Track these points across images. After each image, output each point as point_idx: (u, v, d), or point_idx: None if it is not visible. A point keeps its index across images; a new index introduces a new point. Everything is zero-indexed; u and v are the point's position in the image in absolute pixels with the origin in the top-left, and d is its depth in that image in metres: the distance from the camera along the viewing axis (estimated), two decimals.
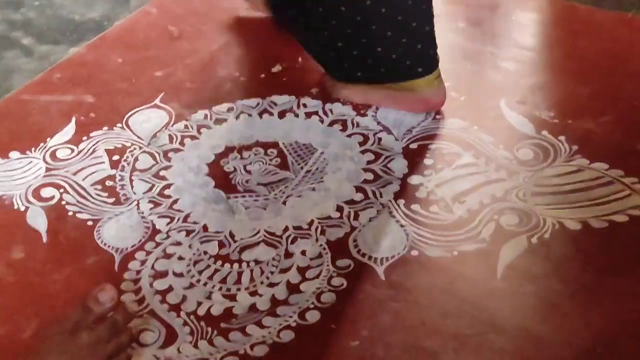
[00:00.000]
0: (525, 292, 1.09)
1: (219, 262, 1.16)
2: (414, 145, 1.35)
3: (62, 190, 1.30)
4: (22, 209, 1.27)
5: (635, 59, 1.51)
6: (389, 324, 1.06)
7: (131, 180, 1.32)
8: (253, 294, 1.11)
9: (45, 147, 1.39)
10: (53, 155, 1.38)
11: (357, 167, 1.31)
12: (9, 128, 1.45)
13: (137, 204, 1.27)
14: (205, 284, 1.13)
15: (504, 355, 1.01)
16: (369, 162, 1.32)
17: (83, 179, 1.32)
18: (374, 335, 1.05)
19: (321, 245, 1.18)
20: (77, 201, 1.28)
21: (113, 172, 1.33)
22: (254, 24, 1.70)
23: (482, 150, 1.33)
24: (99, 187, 1.31)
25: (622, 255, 1.13)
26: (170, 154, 1.37)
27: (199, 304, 1.10)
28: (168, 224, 1.23)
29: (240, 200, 1.27)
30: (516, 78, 1.50)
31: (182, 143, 1.40)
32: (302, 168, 1.33)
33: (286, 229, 1.21)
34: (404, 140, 1.36)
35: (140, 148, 1.39)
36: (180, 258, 1.17)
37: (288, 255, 1.16)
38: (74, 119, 1.45)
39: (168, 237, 1.21)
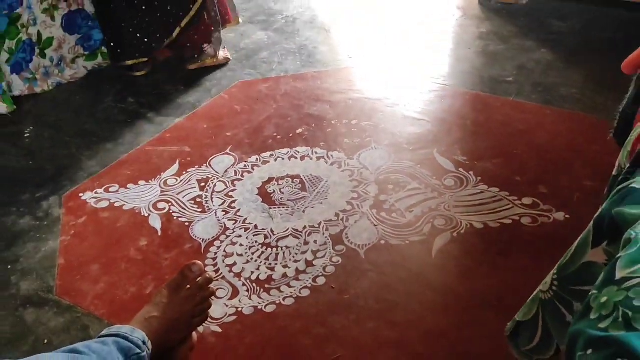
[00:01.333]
0: (449, 266, 1.09)
1: (265, 247, 1.16)
2: (382, 177, 1.35)
3: (170, 204, 1.31)
4: (146, 215, 1.28)
5: (515, 125, 1.51)
6: (367, 285, 1.06)
7: (212, 198, 1.32)
8: (285, 266, 1.11)
9: (160, 178, 1.40)
10: (165, 183, 1.38)
11: (347, 190, 1.32)
12: (139, 167, 1.46)
13: (215, 212, 1.27)
14: (256, 261, 1.13)
15: (436, 305, 1.01)
16: (354, 187, 1.32)
17: (183, 197, 1.33)
18: (358, 292, 1.04)
19: (326, 237, 1.18)
20: (179, 210, 1.29)
21: (201, 193, 1.34)
22: (286, 106, 1.71)
23: (423, 180, 1.33)
24: (193, 202, 1.31)
25: (508, 244, 1.13)
26: (235, 182, 1.38)
27: (252, 272, 1.10)
28: (234, 224, 1.23)
29: (277, 210, 1.28)
30: (442, 136, 1.50)
31: (242, 175, 1.40)
32: (314, 190, 1.33)
33: (305, 227, 1.21)
34: (376, 174, 1.36)
35: (217, 179, 1.39)
36: (241, 245, 1.17)
37: (306, 243, 1.17)
38: (178, 161, 1.46)
39: (234, 232, 1.21)
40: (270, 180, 1.38)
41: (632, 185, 0.55)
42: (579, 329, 0.42)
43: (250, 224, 1.23)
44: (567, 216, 1.18)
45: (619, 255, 0.46)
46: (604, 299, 0.43)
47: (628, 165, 0.62)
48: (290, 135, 1.56)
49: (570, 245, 0.61)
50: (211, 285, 0.92)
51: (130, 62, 1.79)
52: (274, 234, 1.20)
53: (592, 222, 0.58)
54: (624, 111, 0.76)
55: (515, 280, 1.04)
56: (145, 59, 1.81)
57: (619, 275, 0.44)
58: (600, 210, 0.57)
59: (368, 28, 2.14)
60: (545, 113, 1.57)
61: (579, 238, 0.59)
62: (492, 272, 1.07)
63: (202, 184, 1.37)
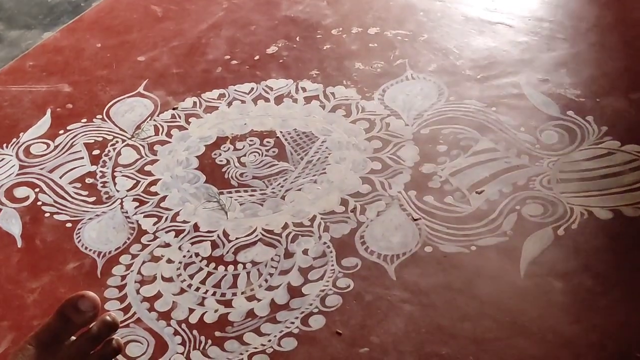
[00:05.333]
0: (552, 290, 1.09)
1: (212, 265, 1.16)
2: (425, 131, 1.34)
3: (37, 189, 1.30)
4: None
5: None
6: (402, 328, 1.05)
7: (114, 177, 1.32)
8: (250, 298, 1.10)
9: (18, 143, 1.39)
10: (27, 152, 1.38)
11: (363, 156, 1.31)
12: None
13: (121, 203, 1.27)
14: (197, 289, 1.13)
15: None
16: (376, 150, 1.32)
17: (60, 177, 1.32)
18: (386, 341, 1.04)
19: (325, 243, 1.17)
20: (55, 201, 1.28)
21: (93, 168, 1.33)
22: (247, 3, 1.69)
23: (501, 134, 1.32)
24: (78, 185, 1.31)
25: None
26: (156, 147, 1.37)
27: (191, 311, 1.10)
28: (155, 223, 1.23)
29: (234, 196, 1.27)
30: (537, 53, 1.49)
31: (169, 134, 1.39)
32: (302, 159, 1.32)
33: (286, 226, 1.20)
34: (415, 125, 1.36)
35: (123, 141, 1.39)
36: (169, 261, 1.17)
37: (288, 255, 1.16)
38: (49, 111, 1.45)
39: (155, 238, 1.21)
40: (220, 141, 1.37)
41: None
42: None
43: (185, 222, 1.23)
44: None
45: None
46: None
47: None
48: (257, 58, 1.55)
49: None
50: (116, 336, 0.91)
51: None
52: (229, 241, 1.19)
53: None
54: None
55: None
56: None
57: None
58: None
59: None
60: None
61: None
62: (632, 299, 1.06)
63: (96, 152, 1.37)
